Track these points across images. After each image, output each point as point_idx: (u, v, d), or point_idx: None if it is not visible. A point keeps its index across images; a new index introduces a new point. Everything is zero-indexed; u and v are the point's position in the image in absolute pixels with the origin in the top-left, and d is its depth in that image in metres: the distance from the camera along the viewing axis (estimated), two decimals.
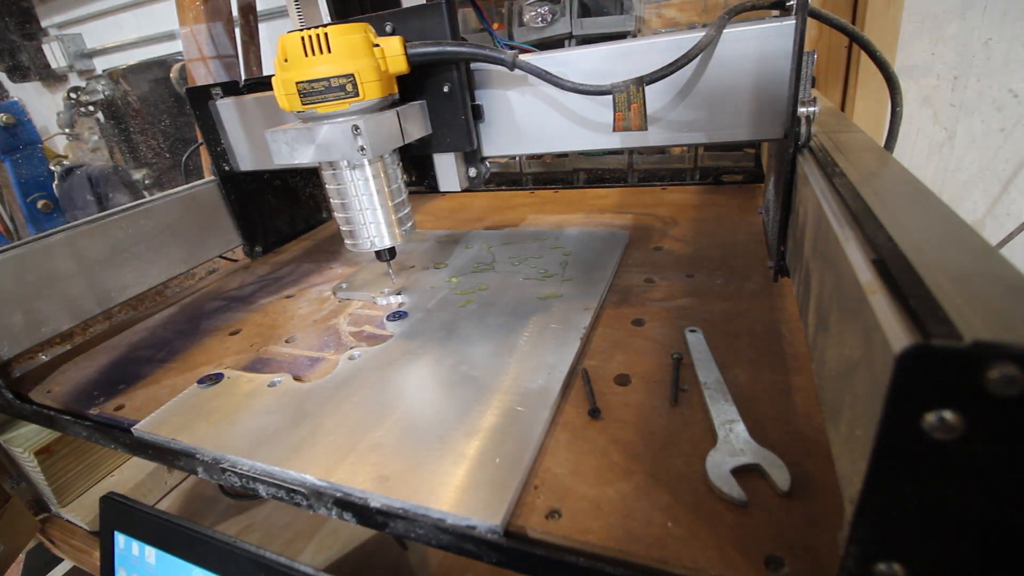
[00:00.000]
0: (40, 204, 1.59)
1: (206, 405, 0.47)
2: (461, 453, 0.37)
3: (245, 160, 0.72)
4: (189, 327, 0.64)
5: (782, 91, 0.43)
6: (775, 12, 0.47)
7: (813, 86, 0.45)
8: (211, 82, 0.72)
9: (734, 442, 0.35)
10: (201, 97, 0.69)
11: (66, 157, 1.82)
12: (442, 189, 0.57)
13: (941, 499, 0.18)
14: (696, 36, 0.43)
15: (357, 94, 0.46)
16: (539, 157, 1.04)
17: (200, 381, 0.50)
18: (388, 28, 0.50)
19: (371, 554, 0.68)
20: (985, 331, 0.16)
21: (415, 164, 0.58)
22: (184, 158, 0.89)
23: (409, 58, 0.48)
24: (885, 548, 0.20)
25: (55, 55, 1.87)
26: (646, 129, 0.45)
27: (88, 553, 0.84)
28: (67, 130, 1.78)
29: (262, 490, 0.39)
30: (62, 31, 1.91)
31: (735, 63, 0.44)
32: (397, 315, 0.57)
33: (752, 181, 0.88)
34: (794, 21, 0.41)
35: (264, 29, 1.31)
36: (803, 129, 0.43)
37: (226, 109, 0.69)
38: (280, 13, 1.41)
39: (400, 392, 0.45)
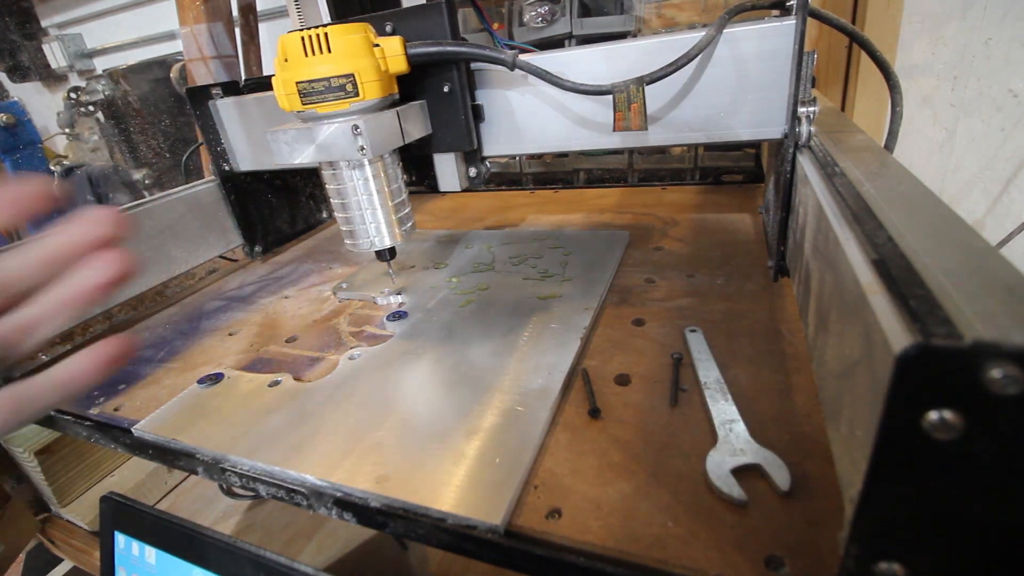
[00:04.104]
0: None
1: (206, 405, 0.47)
2: (461, 453, 0.37)
3: (245, 160, 0.72)
4: (189, 327, 0.64)
5: (782, 91, 0.43)
6: (775, 12, 0.47)
7: (813, 86, 0.45)
8: (211, 82, 0.72)
9: (734, 442, 0.35)
10: (201, 97, 0.69)
11: (66, 157, 1.82)
12: (442, 189, 0.57)
13: (941, 499, 0.18)
14: (696, 36, 0.43)
15: (357, 94, 0.46)
16: (539, 157, 1.04)
17: (200, 381, 0.50)
18: (388, 28, 0.50)
19: (371, 554, 0.68)
20: (985, 331, 0.16)
21: (415, 164, 0.58)
22: (184, 158, 0.89)
23: (409, 58, 0.48)
24: (885, 548, 0.20)
25: (55, 55, 1.87)
26: (646, 129, 0.45)
27: (88, 553, 0.84)
28: (67, 130, 1.78)
29: (262, 490, 0.39)
30: (62, 31, 1.91)
31: (735, 63, 0.44)
32: (397, 315, 0.57)
33: (752, 181, 0.88)
34: (794, 21, 0.41)
35: (264, 29, 1.31)
36: (803, 129, 0.43)
37: (226, 109, 0.69)
38: (280, 13, 1.41)
39: (400, 392, 0.45)
